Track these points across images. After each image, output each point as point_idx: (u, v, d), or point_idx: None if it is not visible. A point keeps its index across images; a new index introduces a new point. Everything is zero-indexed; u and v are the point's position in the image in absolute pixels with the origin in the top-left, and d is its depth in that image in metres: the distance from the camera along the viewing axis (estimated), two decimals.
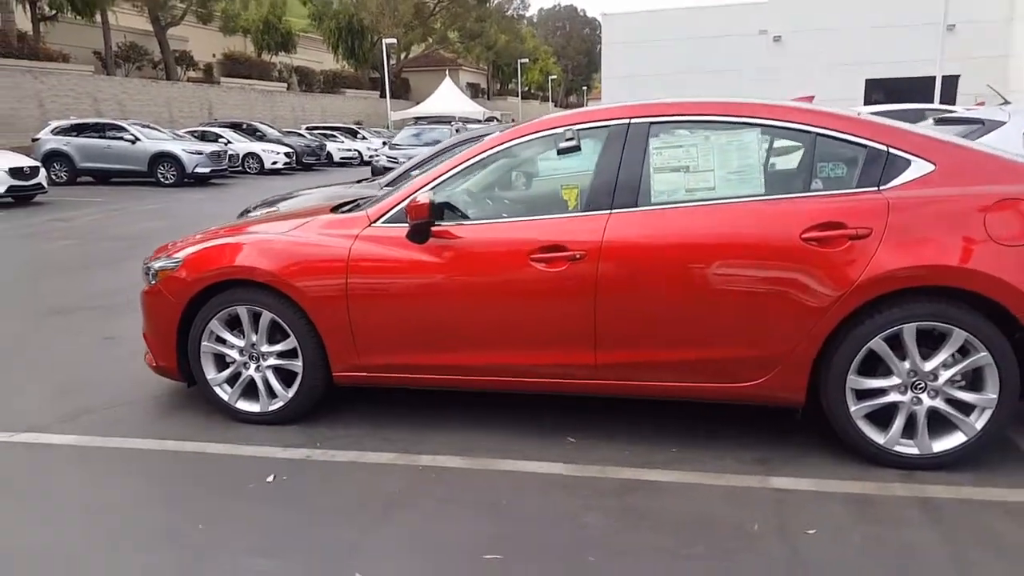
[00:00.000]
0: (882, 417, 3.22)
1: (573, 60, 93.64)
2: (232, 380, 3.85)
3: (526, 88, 78.94)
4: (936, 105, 14.71)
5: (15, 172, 14.87)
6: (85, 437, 3.70)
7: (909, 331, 3.09)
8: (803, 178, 3.29)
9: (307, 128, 31.37)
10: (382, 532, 2.82)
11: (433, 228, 3.49)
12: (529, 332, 3.44)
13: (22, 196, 15.29)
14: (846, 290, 3.08)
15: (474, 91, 65.30)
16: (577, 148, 3.48)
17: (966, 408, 3.14)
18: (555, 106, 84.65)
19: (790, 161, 3.40)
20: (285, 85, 42.81)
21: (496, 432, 3.67)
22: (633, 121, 3.46)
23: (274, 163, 24.07)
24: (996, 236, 3.01)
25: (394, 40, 42.54)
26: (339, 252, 3.59)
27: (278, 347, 3.74)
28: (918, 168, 3.18)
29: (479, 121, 31.33)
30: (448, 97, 42.46)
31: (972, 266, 2.99)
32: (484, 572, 2.56)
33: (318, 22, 47.94)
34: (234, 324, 3.80)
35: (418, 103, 45.10)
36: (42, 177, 15.56)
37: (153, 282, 3.90)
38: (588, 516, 2.91)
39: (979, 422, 3.12)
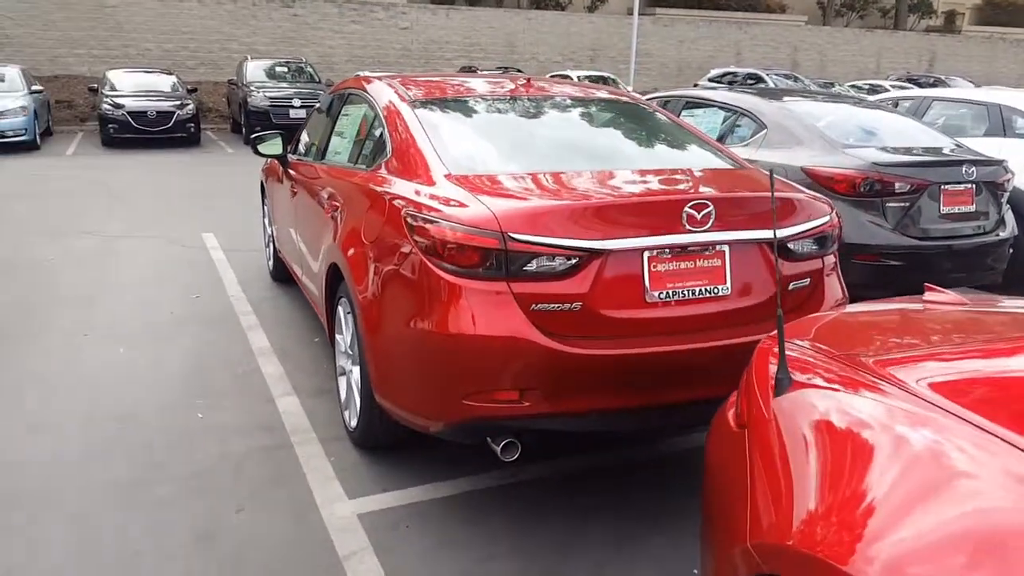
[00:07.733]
0: None
1: None
2: None
3: None
4: None
5: None
6: None
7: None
8: (371, 155, 3.51)
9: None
10: None
11: (290, 159, 4.90)
12: (306, 237, 4.61)
13: None
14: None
15: None
16: (321, 110, 4.41)
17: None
18: None
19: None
20: None
21: None
22: (346, 91, 4.18)
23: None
24: None
25: None
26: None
27: None
28: None
29: None
30: None
31: None
32: None
33: None
34: None
35: None
36: None
37: None
38: None
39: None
